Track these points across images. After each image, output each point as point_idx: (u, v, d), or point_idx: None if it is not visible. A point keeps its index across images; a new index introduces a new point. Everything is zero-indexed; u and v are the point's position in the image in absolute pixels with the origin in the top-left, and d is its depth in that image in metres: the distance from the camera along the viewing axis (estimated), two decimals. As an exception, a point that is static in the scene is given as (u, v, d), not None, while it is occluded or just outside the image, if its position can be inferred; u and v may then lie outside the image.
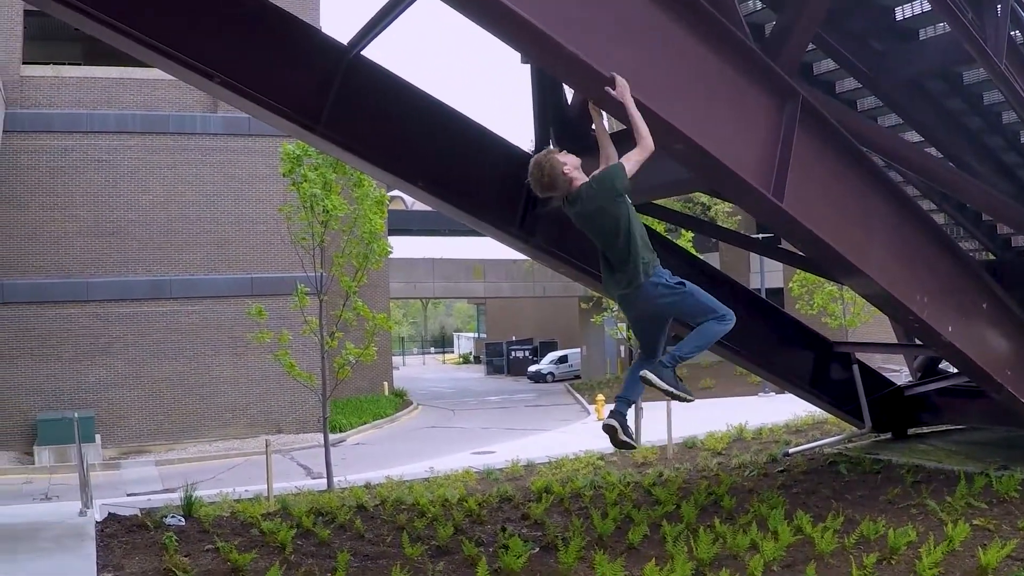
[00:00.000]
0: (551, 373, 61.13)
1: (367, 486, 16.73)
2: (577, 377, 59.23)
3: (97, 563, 9.13)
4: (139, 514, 12.16)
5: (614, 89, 6.96)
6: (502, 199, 12.00)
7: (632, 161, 6.66)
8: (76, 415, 26.44)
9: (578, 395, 46.69)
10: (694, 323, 6.89)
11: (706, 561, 8.58)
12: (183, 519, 11.64)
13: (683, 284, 6.73)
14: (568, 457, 20.71)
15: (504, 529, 10.70)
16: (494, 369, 73.89)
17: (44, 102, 34.14)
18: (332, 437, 31.27)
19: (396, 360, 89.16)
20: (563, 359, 62.80)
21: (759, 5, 11.50)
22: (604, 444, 21.98)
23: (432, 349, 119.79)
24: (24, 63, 33.93)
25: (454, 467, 21.09)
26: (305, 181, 19.04)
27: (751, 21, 11.53)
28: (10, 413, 32.74)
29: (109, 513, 12.04)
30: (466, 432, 35.61)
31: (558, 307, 64.53)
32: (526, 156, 11.99)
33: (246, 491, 17.41)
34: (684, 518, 10.64)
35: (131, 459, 32.05)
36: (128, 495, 21.00)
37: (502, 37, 7.76)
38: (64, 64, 34.19)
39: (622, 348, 51.15)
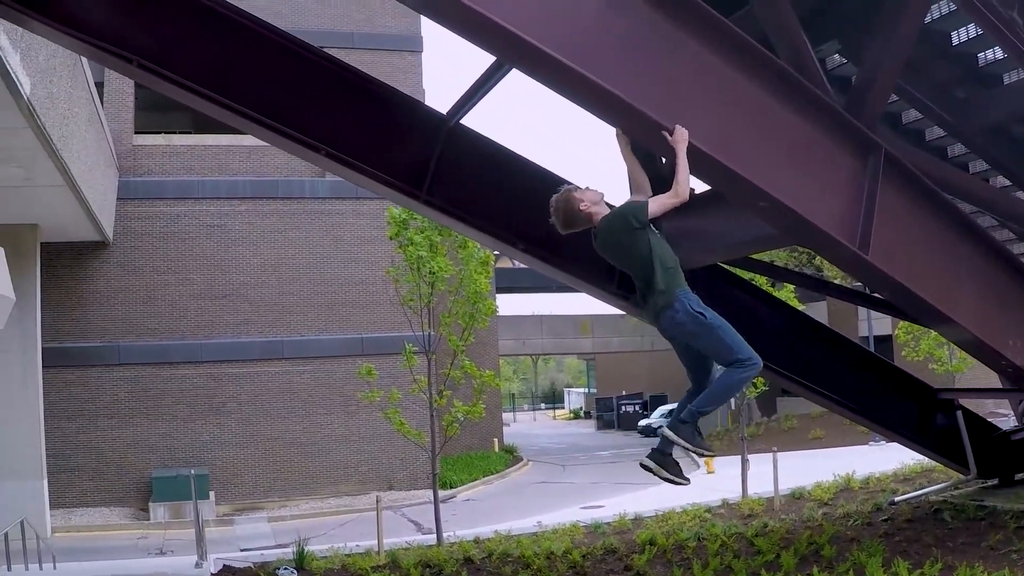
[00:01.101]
0: (662, 427, 60.16)
1: (476, 540, 16.94)
2: (687, 431, 57.78)
3: (213, 613, 9.57)
4: (252, 567, 12.59)
5: (672, 135, 7.21)
6: (599, 258, 12.26)
7: (659, 204, 6.92)
8: (192, 472, 27.22)
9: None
10: (718, 361, 6.95)
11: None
12: (295, 571, 12.05)
13: (704, 315, 6.78)
14: (675, 510, 20.79)
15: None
16: (604, 424, 73.59)
17: (156, 170, 35.35)
18: (442, 493, 31.63)
19: (507, 416, 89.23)
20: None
21: (842, 59, 11.71)
22: (712, 497, 22.22)
23: (543, 405, 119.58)
24: (136, 132, 35.32)
25: (562, 521, 21.20)
26: (411, 244, 19.51)
27: (836, 74, 11.78)
28: (126, 470, 33.73)
29: (224, 565, 12.52)
30: (575, 487, 35.67)
31: (667, 361, 64.21)
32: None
33: (357, 546, 17.78)
34: (783, 567, 10.77)
35: (244, 515, 32.75)
36: (241, 550, 21.47)
37: (587, 108, 8.07)
38: (174, 132, 35.41)
39: (732, 402, 50.71)
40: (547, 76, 7.65)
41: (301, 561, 12.61)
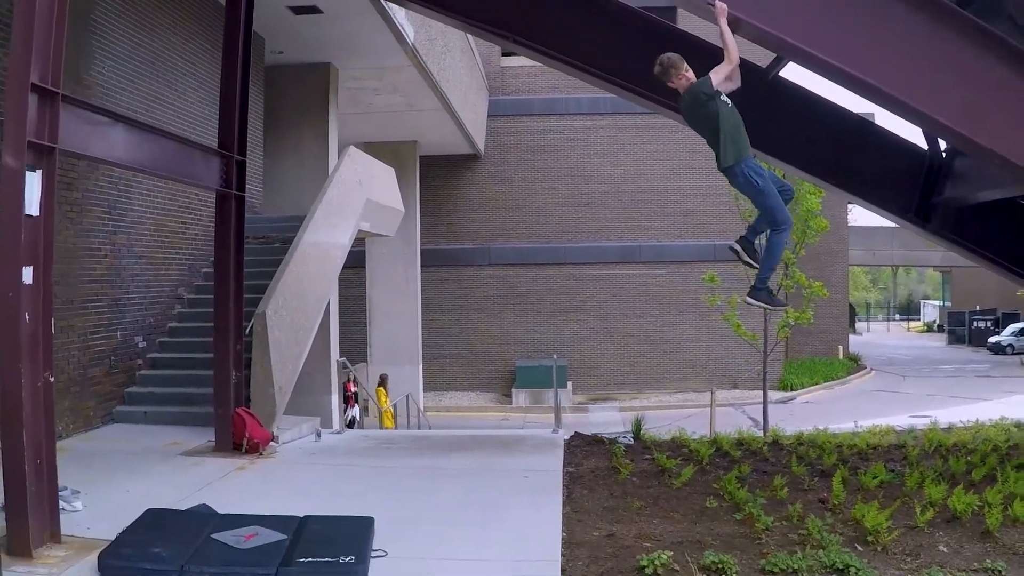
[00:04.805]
0: (1011, 345, 59.60)
1: (797, 436, 18.64)
2: (1036, 350, 57.07)
3: (563, 460, 12.42)
4: (597, 435, 15.28)
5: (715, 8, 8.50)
6: (899, 188, 13.71)
7: (718, 73, 8.45)
8: (555, 359, 30.46)
9: (1030, 368, 46.20)
10: (765, 218, 8.79)
11: (1018, 494, 10.31)
12: (632, 439, 14.68)
13: (759, 181, 8.55)
14: (984, 423, 21.81)
15: (881, 464, 12.73)
16: (955, 338, 72.50)
17: (522, 89, 38.52)
18: (783, 395, 33.88)
19: (860, 326, 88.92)
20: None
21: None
22: (1029, 414, 23.03)
23: (897, 316, 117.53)
24: (503, 55, 38.51)
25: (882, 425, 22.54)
26: (750, 165, 21.41)
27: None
28: (493, 359, 37.70)
29: (575, 432, 15.22)
30: (910, 397, 36.71)
31: (1023, 277, 62.79)
32: (919, 150, 13.92)
33: (693, 433, 19.97)
34: (1027, 466, 12.26)
35: (597, 404, 35.85)
36: (592, 434, 23.96)
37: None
38: (539, 54, 38.18)
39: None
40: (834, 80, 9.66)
41: (637, 433, 15.14)
